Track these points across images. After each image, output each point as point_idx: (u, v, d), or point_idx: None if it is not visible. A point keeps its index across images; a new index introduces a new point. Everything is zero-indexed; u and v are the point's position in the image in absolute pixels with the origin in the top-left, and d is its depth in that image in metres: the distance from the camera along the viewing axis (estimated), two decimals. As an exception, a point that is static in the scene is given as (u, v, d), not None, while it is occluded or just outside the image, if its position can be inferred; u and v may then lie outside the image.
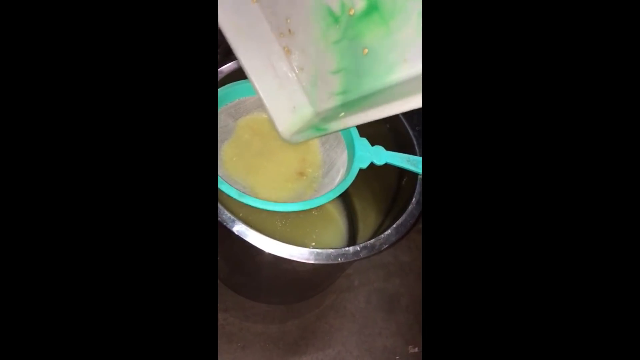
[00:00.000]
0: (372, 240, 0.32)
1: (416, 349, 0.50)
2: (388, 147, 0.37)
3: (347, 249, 0.31)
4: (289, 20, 0.34)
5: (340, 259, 0.31)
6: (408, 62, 0.31)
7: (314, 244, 0.47)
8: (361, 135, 0.37)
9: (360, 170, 0.36)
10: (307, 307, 0.50)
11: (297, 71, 0.37)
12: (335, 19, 0.32)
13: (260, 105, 0.39)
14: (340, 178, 0.36)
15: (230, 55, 0.42)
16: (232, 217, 0.31)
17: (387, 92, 0.32)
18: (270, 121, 0.37)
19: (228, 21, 0.34)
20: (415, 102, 0.26)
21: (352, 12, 0.31)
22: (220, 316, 0.47)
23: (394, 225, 0.34)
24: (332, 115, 0.35)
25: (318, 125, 0.34)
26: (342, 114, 0.33)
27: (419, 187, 0.36)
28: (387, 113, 0.28)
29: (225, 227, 0.30)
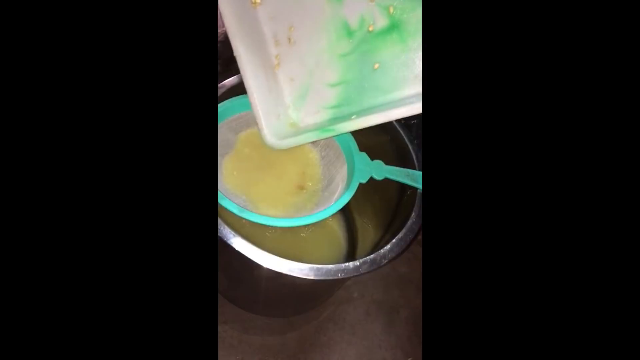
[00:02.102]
0: (372, 255, 0.32)
1: (415, 362, 0.50)
2: (388, 161, 0.37)
3: (347, 264, 0.31)
4: (291, 29, 0.34)
5: (340, 275, 0.31)
6: (418, 78, 0.31)
7: (313, 257, 0.47)
8: (361, 149, 0.38)
9: (361, 184, 0.36)
10: (306, 320, 0.50)
11: (285, 82, 0.36)
12: (349, 33, 0.32)
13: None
14: (340, 192, 0.36)
15: (231, 68, 0.42)
16: (232, 232, 0.31)
17: (391, 104, 0.32)
18: (258, 124, 0.35)
19: (230, 12, 0.32)
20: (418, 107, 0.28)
21: (371, 29, 0.32)
22: (220, 328, 0.47)
23: (394, 240, 0.34)
24: (340, 118, 0.34)
25: (324, 127, 0.33)
26: (354, 115, 0.33)
27: (418, 202, 0.36)
28: (402, 115, 0.29)
29: (224, 241, 0.30)
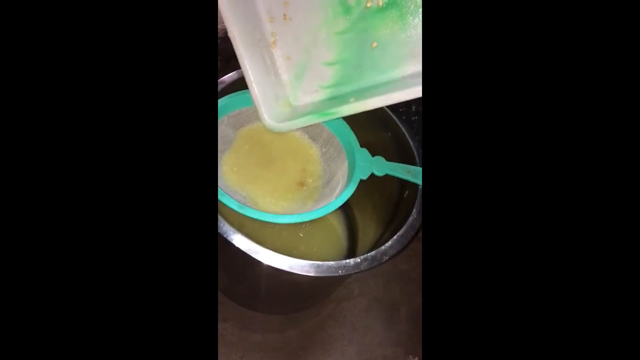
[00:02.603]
0: (373, 252, 0.32)
1: (416, 359, 0.50)
2: (389, 158, 0.37)
3: (347, 261, 0.31)
4: (286, 4, 0.33)
5: (341, 271, 0.31)
6: (416, 57, 0.31)
7: (313, 254, 0.47)
8: (361, 145, 0.37)
9: (361, 180, 0.36)
10: (307, 317, 0.50)
11: (281, 60, 0.35)
12: (347, 10, 0.32)
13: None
14: (340, 188, 0.36)
15: (230, 64, 0.42)
16: (232, 229, 0.31)
17: (390, 85, 0.31)
18: (256, 107, 0.34)
19: None
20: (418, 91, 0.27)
21: (369, 5, 0.31)
22: (220, 326, 0.47)
23: (395, 237, 0.33)
24: (338, 100, 0.33)
25: (322, 110, 0.32)
26: (352, 97, 0.32)
27: (419, 198, 0.36)
28: (400, 99, 0.28)
29: (225, 238, 0.30)
